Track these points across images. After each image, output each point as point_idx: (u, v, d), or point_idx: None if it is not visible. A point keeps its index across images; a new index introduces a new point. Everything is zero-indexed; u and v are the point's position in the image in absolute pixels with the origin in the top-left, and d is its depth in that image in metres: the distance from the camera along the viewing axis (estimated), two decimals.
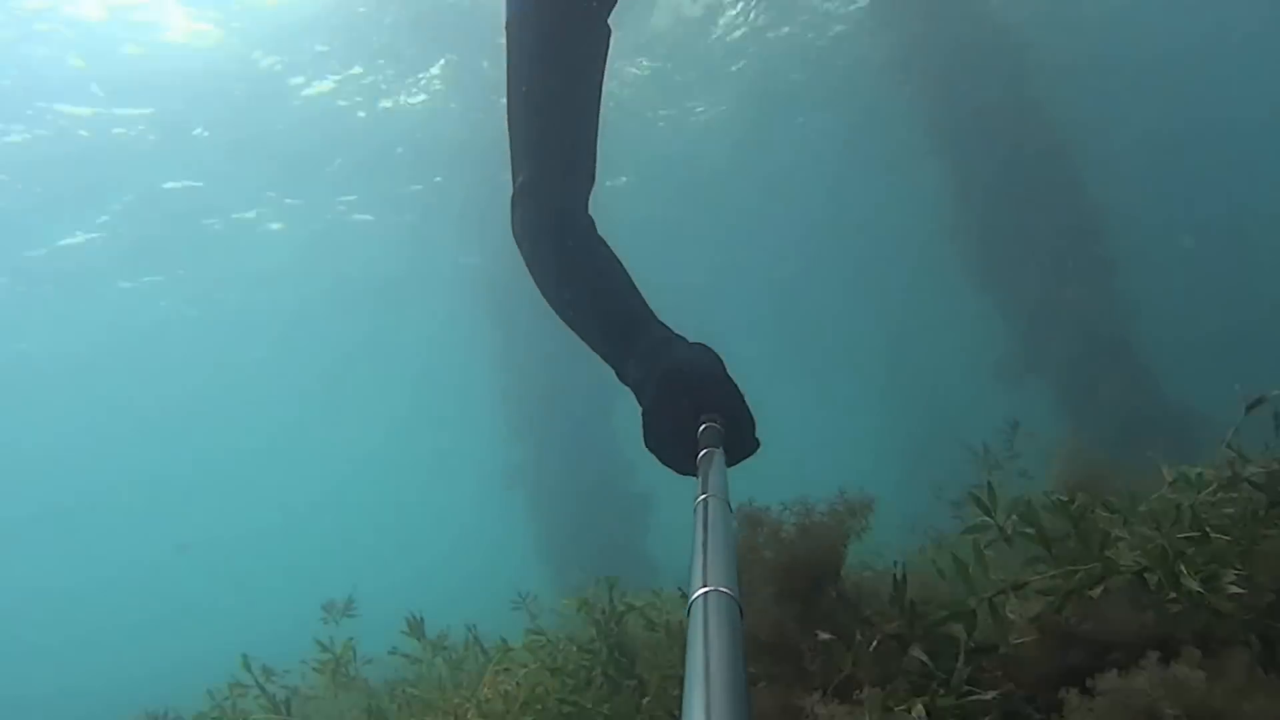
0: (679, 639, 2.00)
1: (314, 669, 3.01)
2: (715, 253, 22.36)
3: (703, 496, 1.07)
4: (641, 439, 1.66)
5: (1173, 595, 1.57)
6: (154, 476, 29.95)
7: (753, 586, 1.85)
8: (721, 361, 1.70)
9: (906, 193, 15.03)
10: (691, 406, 1.53)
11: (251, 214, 18.35)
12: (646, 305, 1.88)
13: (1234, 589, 1.52)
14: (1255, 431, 2.06)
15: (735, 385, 1.61)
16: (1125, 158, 15.79)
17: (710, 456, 1.28)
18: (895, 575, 1.79)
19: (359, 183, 18.08)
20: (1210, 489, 1.84)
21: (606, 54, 1.96)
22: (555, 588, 6.99)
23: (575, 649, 2.23)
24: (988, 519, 1.84)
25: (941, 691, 1.61)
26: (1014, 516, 1.80)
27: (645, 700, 1.95)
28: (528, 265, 1.97)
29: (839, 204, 20.55)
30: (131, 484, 29.84)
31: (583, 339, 1.93)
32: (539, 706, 2.09)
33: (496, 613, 3.35)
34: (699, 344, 1.76)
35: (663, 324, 1.83)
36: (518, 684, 2.16)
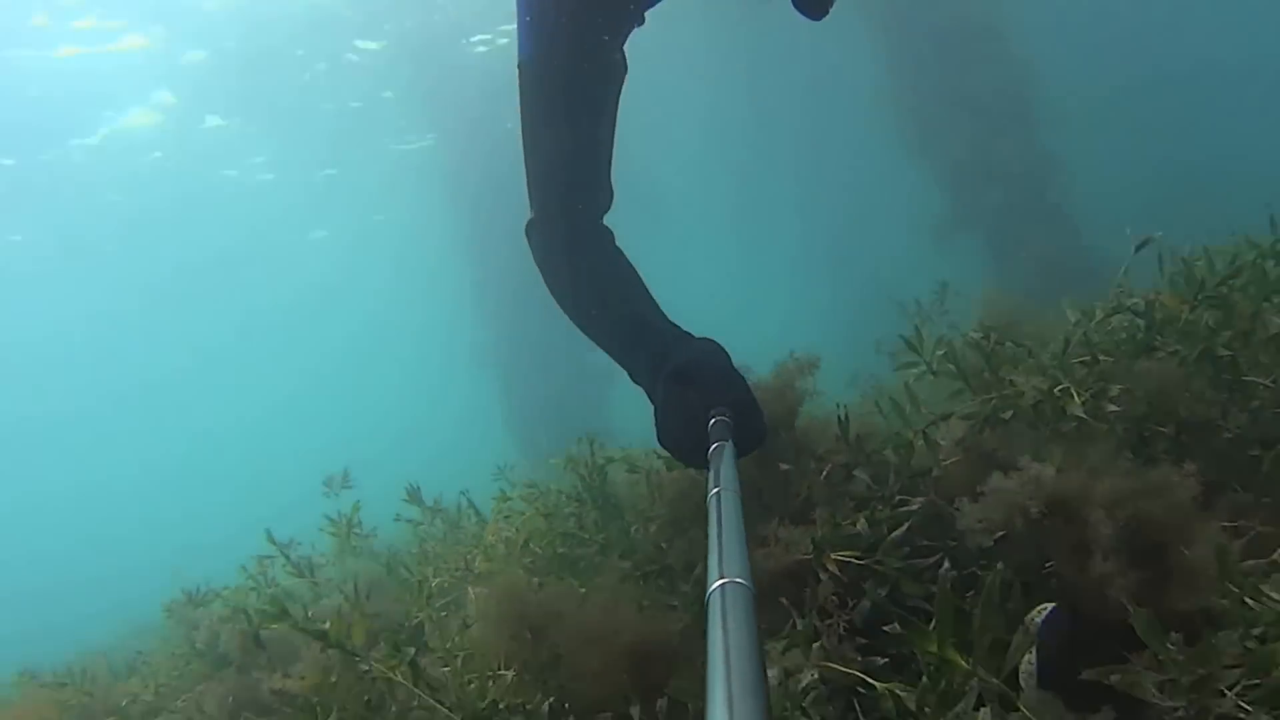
0: (656, 484, 2.28)
1: (329, 533, 3.30)
2: (664, 128, 22.21)
3: (715, 490, 1.09)
4: (655, 437, 1.70)
5: (1065, 414, 1.89)
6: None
7: None
8: (727, 354, 1.76)
9: (846, 60, 14.96)
10: (700, 402, 1.55)
11: None
12: (656, 307, 1.96)
13: (1112, 407, 1.84)
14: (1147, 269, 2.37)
15: (741, 378, 1.66)
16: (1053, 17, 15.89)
17: (720, 450, 1.30)
18: (840, 416, 2.08)
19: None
20: (1100, 319, 2.16)
21: (621, 85, 2.00)
22: (526, 457, 7.41)
23: (565, 496, 2.54)
24: (917, 358, 2.14)
25: (880, 506, 1.92)
26: (939, 354, 2.11)
27: (634, 529, 2.25)
28: (547, 286, 2.05)
29: (781, 75, 20.36)
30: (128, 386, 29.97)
31: (602, 348, 2.01)
32: (536, 548, 2.40)
33: (476, 481, 3.67)
34: (705, 339, 1.82)
35: (671, 324, 1.92)
36: (517, 529, 2.47)
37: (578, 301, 2.00)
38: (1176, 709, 1.20)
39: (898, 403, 2.08)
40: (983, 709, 1.18)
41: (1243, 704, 1.15)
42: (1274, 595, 1.32)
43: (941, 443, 2.04)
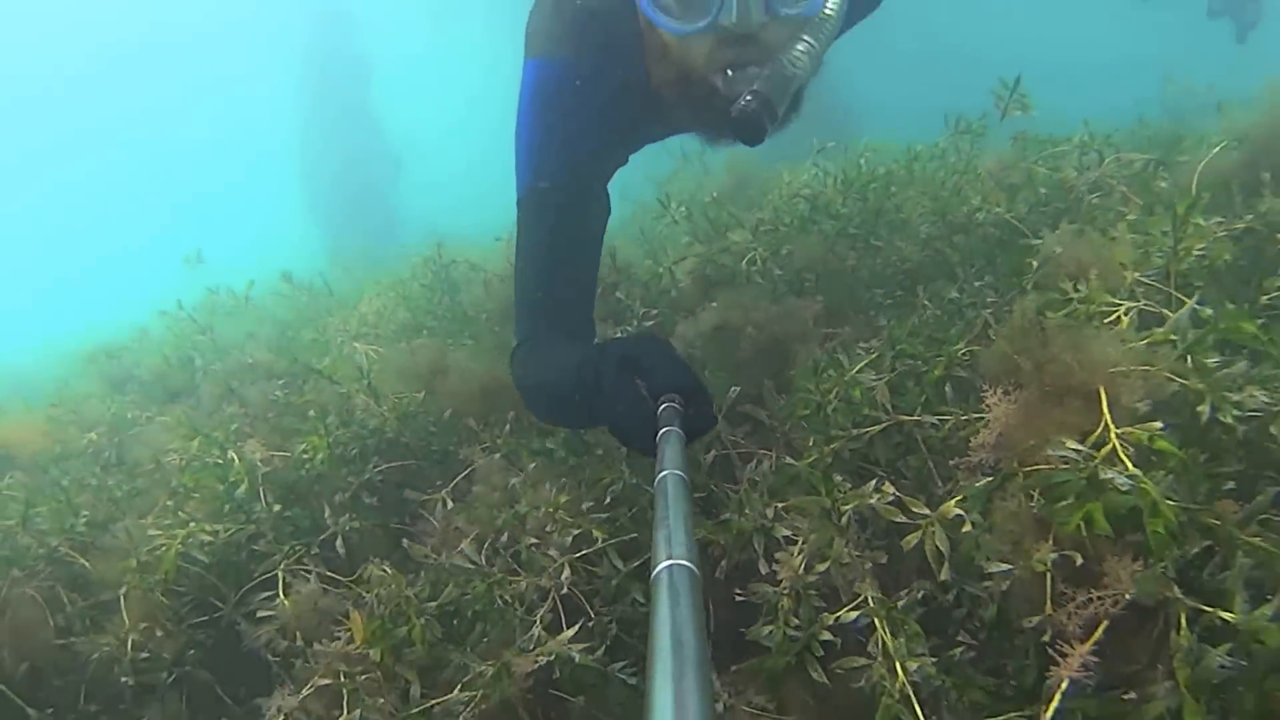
0: (488, 281, 3.30)
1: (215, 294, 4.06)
2: None
3: (663, 473, 1.10)
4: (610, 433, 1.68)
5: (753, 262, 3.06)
6: None
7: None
8: (669, 344, 1.75)
9: None
10: (648, 387, 1.52)
11: None
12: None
13: (778, 269, 3.03)
14: None
15: (687, 365, 1.61)
16: None
17: (669, 434, 1.30)
18: (612, 253, 3.14)
19: None
20: (788, 199, 3.32)
21: (606, 221, 2.15)
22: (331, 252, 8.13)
23: (419, 286, 3.51)
24: (666, 213, 3.24)
25: (631, 317, 3.02)
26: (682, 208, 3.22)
27: (470, 313, 3.29)
28: (528, 406, 2.16)
29: None
30: None
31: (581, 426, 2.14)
32: (398, 318, 3.38)
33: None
34: (642, 333, 2.03)
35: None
36: (382, 305, 3.43)
37: (548, 401, 2.04)
38: (786, 427, 2.33)
39: (652, 245, 3.18)
40: None
41: (830, 412, 2.02)
42: (843, 363, 2.49)
43: (680, 275, 3.17)
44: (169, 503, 2.53)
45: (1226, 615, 1.23)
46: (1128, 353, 1.59)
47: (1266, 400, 1.50)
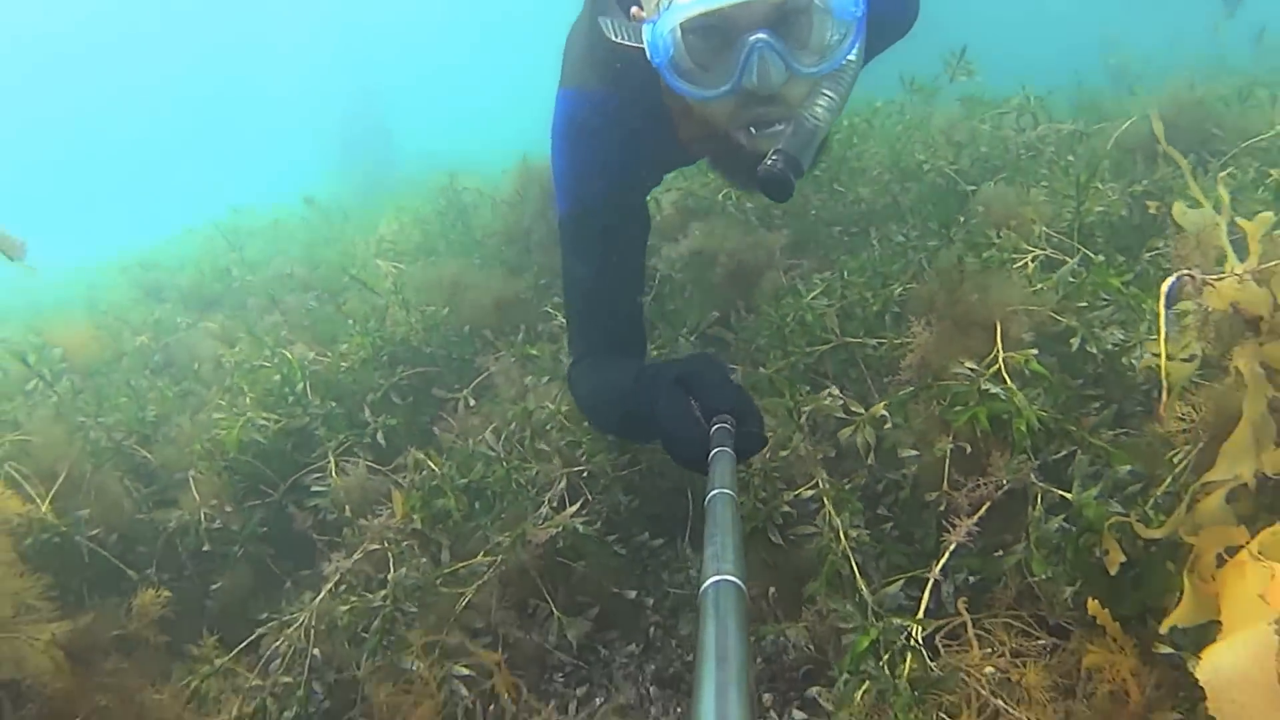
0: (496, 205, 3.66)
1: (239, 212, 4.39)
2: None
3: (714, 492, 1.13)
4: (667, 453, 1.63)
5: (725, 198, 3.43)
6: None
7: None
8: (722, 364, 1.76)
9: None
10: (702, 408, 1.53)
11: None
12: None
13: (749, 203, 3.40)
14: None
15: (739, 386, 1.62)
16: None
17: (720, 455, 1.32)
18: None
19: None
20: None
21: (647, 236, 2.18)
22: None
23: (432, 210, 3.87)
24: None
25: None
26: None
27: (479, 237, 3.67)
28: (593, 424, 2.27)
29: None
30: None
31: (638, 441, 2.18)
32: (414, 239, 3.75)
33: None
34: (695, 355, 1.99)
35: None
36: (399, 227, 3.79)
37: (607, 418, 2.07)
38: (751, 348, 2.74)
39: None
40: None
41: (788, 333, 2.45)
42: (801, 291, 2.93)
43: (663, 204, 3.53)
44: (221, 401, 2.93)
45: (1066, 495, 1.70)
46: (1023, 295, 2.03)
47: (1123, 338, 1.96)
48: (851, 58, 1.65)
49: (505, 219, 3.53)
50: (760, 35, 1.51)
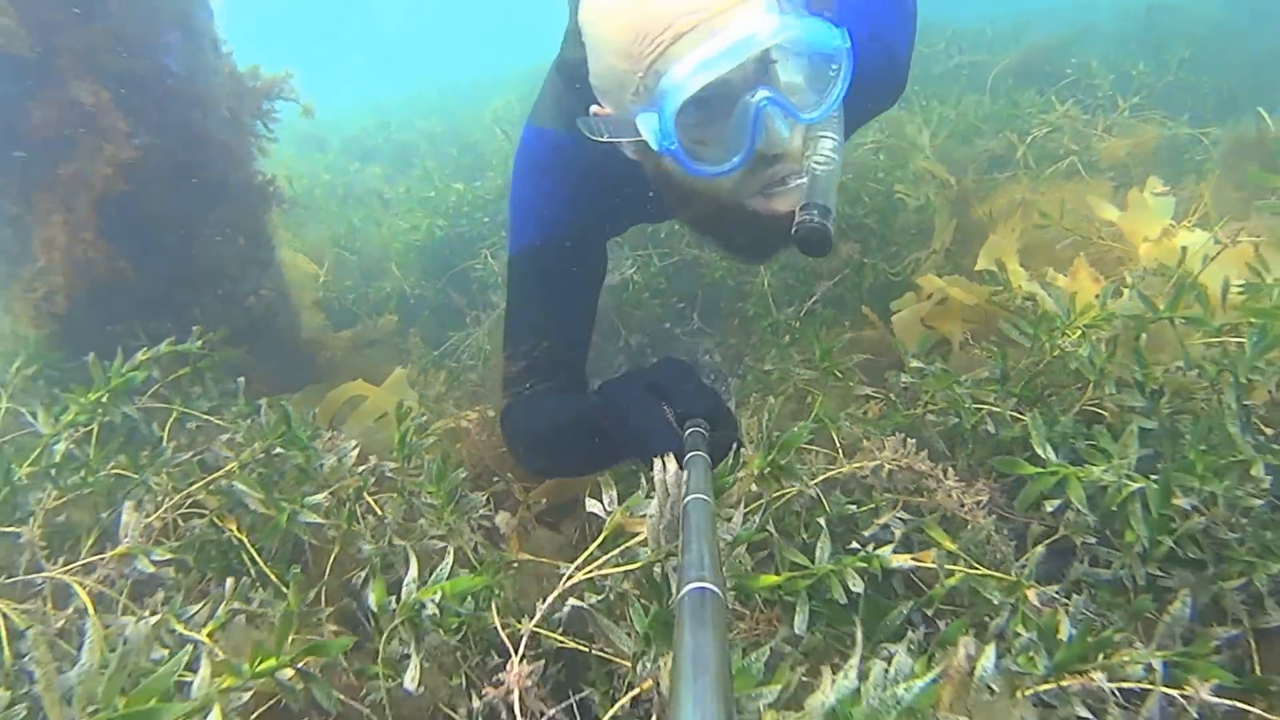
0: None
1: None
2: None
3: (689, 498, 1.10)
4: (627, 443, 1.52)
5: None
6: None
7: None
8: (691, 368, 1.65)
9: None
10: (674, 414, 1.46)
11: None
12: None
13: None
14: None
15: (711, 389, 1.54)
16: None
17: (695, 459, 1.26)
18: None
19: None
20: None
21: (601, 282, 2.08)
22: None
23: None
24: None
25: None
26: None
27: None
28: (526, 460, 2.02)
29: None
30: None
31: (596, 468, 1.87)
32: (517, 112, 5.37)
33: None
34: (664, 359, 1.71)
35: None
36: (505, 104, 5.42)
37: (564, 445, 1.87)
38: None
39: None
40: None
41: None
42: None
43: None
44: (401, 222, 4.63)
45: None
46: None
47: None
48: (834, 114, 1.53)
49: None
50: (761, 93, 1.42)
